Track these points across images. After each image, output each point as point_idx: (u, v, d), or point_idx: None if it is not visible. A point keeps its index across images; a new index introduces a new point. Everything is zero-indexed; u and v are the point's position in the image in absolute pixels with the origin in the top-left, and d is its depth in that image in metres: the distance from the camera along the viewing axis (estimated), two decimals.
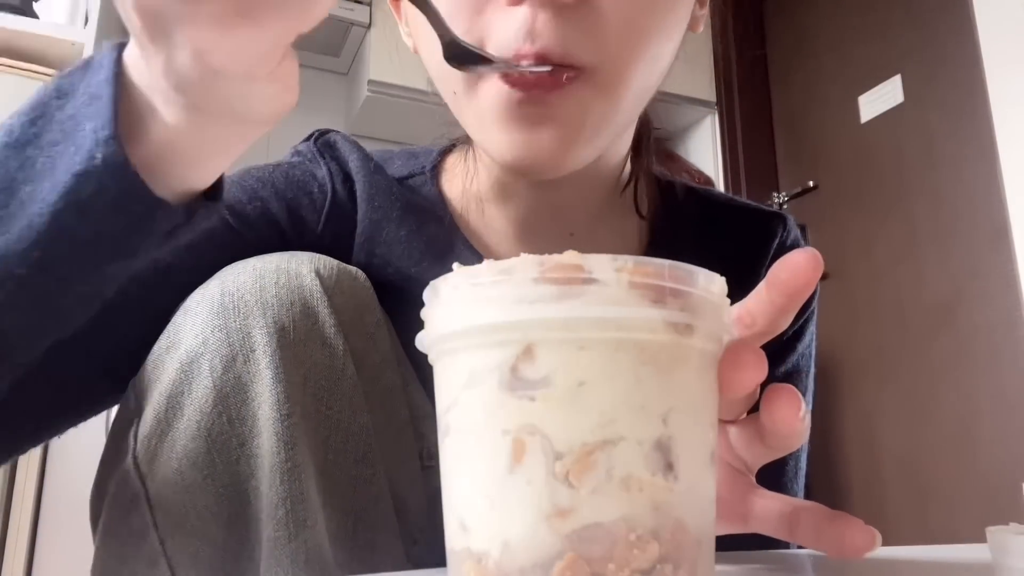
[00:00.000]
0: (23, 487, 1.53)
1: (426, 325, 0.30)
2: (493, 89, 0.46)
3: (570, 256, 0.26)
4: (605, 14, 0.44)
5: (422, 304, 0.30)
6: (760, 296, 0.32)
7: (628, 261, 0.26)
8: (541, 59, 0.44)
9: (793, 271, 0.31)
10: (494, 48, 0.45)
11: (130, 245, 0.36)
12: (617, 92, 0.47)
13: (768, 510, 0.35)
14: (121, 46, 0.35)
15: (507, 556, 0.26)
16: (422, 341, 0.30)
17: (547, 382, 0.26)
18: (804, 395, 0.65)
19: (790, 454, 0.62)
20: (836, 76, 2.50)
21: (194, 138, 0.34)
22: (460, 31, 0.45)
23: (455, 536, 0.28)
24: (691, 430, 0.28)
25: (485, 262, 0.27)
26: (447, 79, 0.49)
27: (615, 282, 0.26)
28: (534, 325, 0.26)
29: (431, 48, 0.48)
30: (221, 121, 0.34)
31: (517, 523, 0.26)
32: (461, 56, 0.43)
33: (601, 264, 0.26)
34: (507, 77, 0.45)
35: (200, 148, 0.35)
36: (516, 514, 0.26)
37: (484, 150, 0.50)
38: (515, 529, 0.26)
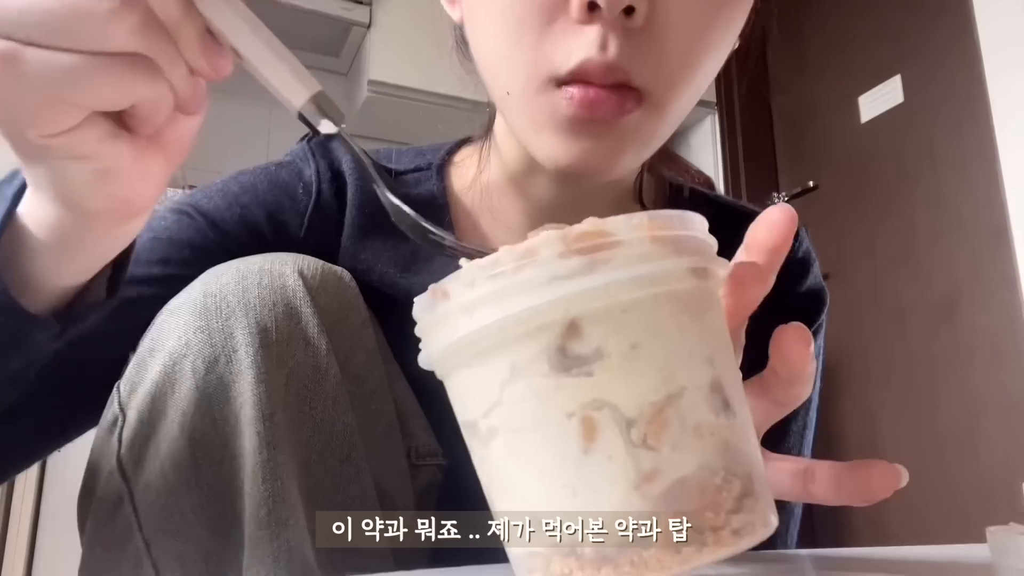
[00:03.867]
0: (23, 487, 1.53)
1: (435, 335, 0.28)
2: (556, 100, 0.46)
3: (591, 223, 0.26)
4: (667, 40, 0.45)
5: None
6: (741, 259, 0.33)
7: (642, 218, 0.26)
8: (608, 71, 0.44)
9: (769, 228, 0.32)
10: (565, 58, 0.45)
11: (19, 351, 0.38)
12: (670, 112, 0.49)
13: (780, 471, 0.35)
14: None
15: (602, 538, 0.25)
16: (430, 356, 0.28)
17: (601, 353, 0.25)
18: (809, 409, 0.64)
19: (793, 426, 0.62)
20: (836, 76, 2.50)
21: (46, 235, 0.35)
22: (527, 46, 0.46)
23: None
24: (730, 366, 0.28)
25: (501, 248, 0.26)
26: (501, 75, 0.49)
27: (638, 240, 0.26)
28: (574, 300, 0.25)
29: (490, 32, 0.48)
30: (59, 208, 0.34)
31: (607, 501, 0.25)
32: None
33: (620, 225, 0.26)
34: (574, 97, 0.45)
35: (55, 246, 0.36)
36: (604, 493, 0.25)
37: (531, 151, 0.50)
38: (606, 508, 0.25)
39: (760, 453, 0.29)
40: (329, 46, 2.48)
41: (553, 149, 0.48)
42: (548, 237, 0.26)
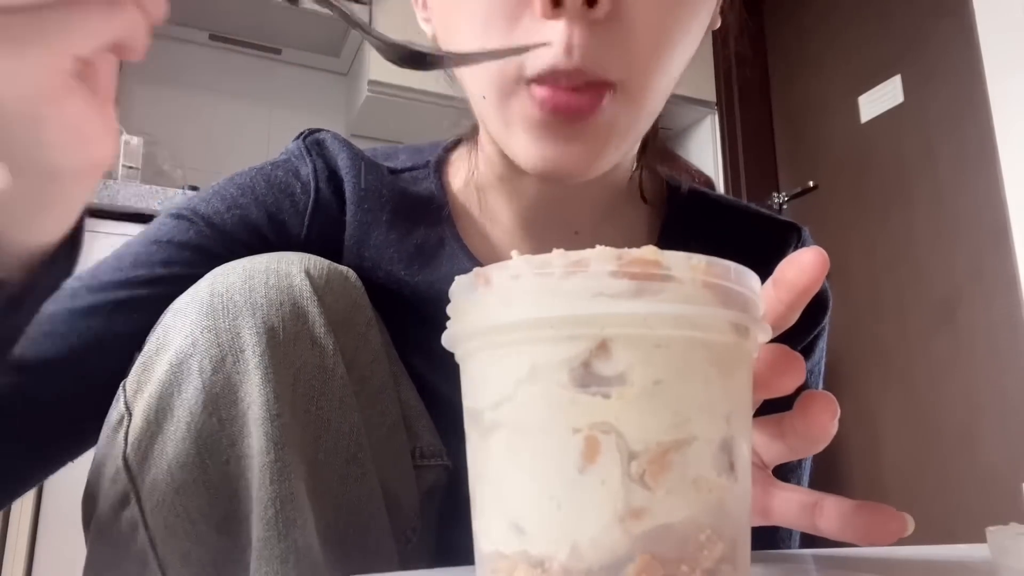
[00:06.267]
0: None
1: (467, 316, 0.28)
2: (527, 104, 0.46)
3: (648, 251, 0.26)
4: (635, 29, 0.45)
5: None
6: (767, 294, 0.33)
7: (700, 260, 0.26)
8: (577, 74, 0.44)
9: (800, 269, 0.32)
10: (531, 60, 0.45)
11: None
12: (644, 102, 0.48)
13: (789, 502, 0.35)
14: None
15: (575, 559, 0.25)
16: (454, 336, 0.28)
17: (623, 379, 0.25)
18: None
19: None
20: (836, 76, 2.50)
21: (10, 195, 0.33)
22: (496, 40, 0.45)
23: (505, 539, 0.26)
24: (744, 431, 0.28)
25: (555, 251, 0.26)
26: (477, 80, 0.49)
27: (690, 281, 0.26)
28: (611, 320, 0.25)
29: (458, 37, 0.48)
30: (28, 174, 0.32)
31: (589, 525, 0.25)
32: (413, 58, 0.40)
33: (677, 261, 0.26)
34: (543, 101, 0.45)
35: (17, 205, 0.34)
36: (588, 515, 0.25)
37: (509, 154, 0.50)
38: (586, 531, 0.25)
39: (750, 525, 0.29)
40: (329, 46, 2.48)
41: (529, 152, 0.48)
42: (603, 252, 0.25)
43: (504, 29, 0.45)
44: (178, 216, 0.55)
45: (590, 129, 0.46)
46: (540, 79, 0.45)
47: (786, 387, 0.32)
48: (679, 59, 0.49)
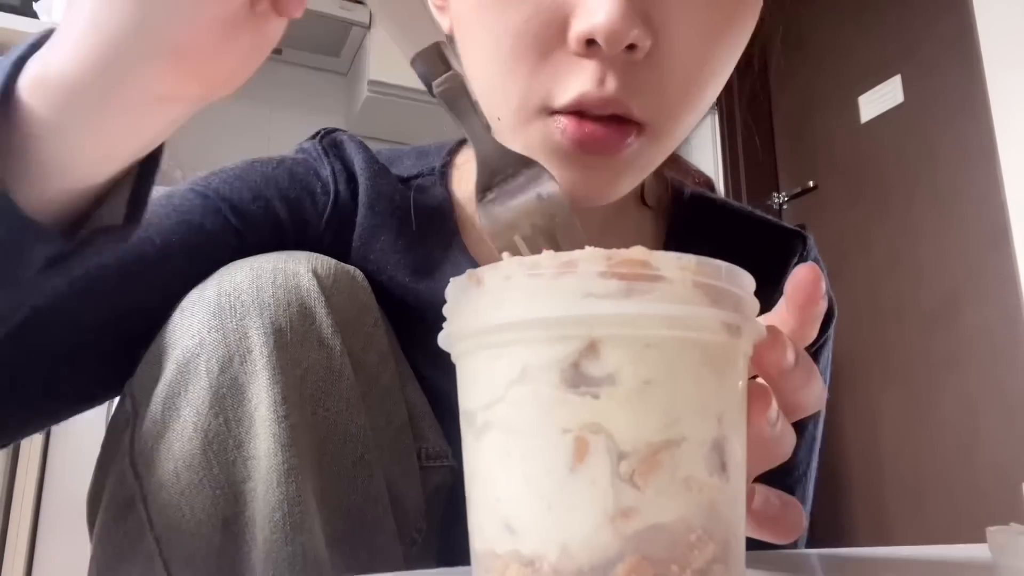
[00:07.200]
0: (23, 487, 1.53)
1: (461, 317, 0.28)
2: (548, 129, 0.45)
3: (637, 252, 0.26)
4: (670, 71, 0.45)
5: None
6: (781, 310, 0.33)
7: (691, 260, 0.26)
8: (606, 104, 0.44)
9: (794, 287, 0.32)
10: (561, 91, 0.44)
11: (9, 275, 0.35)
12: (669, 142, 0.49)
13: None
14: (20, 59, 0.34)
15: (565, 559, 0.25)
16: (450, 336, 0.29)
17: (612, 380, 0.25)
18: (816, 420, 0.65)
19: (798, 459, 0.62)
20: (836, 76, 2.50)
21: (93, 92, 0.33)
22: (521, 76, 0.45)
23: (498, 539, 0.26)
24: (738, 429, 0.28)
25: (544, 252, 0.26)
26: (491, 101, 0.48)
27: (680, 281, 0.26)
28: (600, 321, 0.25)
29: (479, 56, 0.47)
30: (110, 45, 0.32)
31: (578, 525, 0.25)
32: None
33: (667, 261, 0.26)
34: (567, 131, 0.45)
35: (87, 101, 0.33)
36: (577, 516, 0.25)
37: None
38: (576, 531, 0.25)
39: (744, 526, 0.29)
40: (329, 46, 2.48)
41: None
42: (592, 253, 0.26)
43: (533, 61, 0.44)
44: (204, 196, 0.54)
45: (611, 163, 0.46)
46: (567, 110, 0.44)
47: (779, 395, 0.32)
48: (709, 100, 0.49)
